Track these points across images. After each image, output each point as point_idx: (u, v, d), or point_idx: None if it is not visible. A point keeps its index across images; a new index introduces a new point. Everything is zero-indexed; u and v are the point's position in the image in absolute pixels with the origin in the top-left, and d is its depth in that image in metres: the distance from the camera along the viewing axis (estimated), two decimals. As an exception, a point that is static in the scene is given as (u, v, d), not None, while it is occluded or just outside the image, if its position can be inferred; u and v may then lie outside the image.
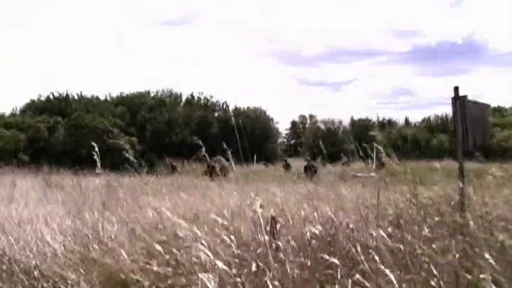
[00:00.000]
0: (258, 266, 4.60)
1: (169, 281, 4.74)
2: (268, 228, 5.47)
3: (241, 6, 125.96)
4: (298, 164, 50.08)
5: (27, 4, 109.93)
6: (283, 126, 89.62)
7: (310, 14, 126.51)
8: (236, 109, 65.23)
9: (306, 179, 29.01)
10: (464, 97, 6.78)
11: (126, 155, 8.24)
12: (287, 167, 39.15)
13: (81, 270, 5.17)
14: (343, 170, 32.16)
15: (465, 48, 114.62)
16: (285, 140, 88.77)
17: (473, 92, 6.58)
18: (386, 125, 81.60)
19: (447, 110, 73.59)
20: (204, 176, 30.48)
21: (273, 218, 5.66)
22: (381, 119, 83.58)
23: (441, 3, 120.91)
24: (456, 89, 6.80)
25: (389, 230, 5.83)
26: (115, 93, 66.25)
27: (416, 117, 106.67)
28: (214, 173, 31.01)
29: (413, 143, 62.31)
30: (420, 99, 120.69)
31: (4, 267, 5.40)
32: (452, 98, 6.85)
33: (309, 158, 37.54)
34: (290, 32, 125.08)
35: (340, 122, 78.25)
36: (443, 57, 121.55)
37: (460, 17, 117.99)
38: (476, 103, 7.18)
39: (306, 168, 34.92)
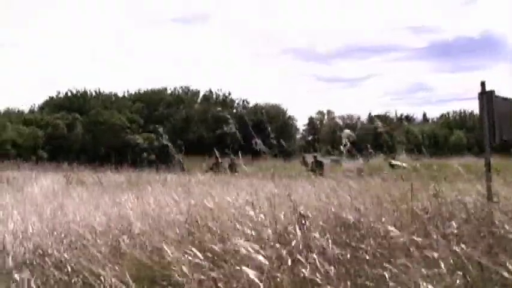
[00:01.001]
0: (293, 261, 4.62)
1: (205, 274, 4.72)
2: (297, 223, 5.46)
3: (254, 4, 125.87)
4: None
5: (27, 4, 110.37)
6: (300, 123, 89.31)
7: (324, 11, 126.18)
8: (254, 106, 65.34)
9: (314, 175, 28.77)
10: (492, 92, 6.75)
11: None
12: (305, 163, 38.42)
13: (113, 265, 5.19)
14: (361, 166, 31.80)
15: (482, 44, 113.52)
16: (302, 136, 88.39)
17: (491, 87, 6.41)
18: (404, 120, 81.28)
19: (465, 105, 73.38)
20: (209, 171, 29.66)
21: (301, 215, 5.64)
22: (398, 115, 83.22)
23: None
24: (483, 84, 6.78)
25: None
26: (132, 90, 66.61)
27: (433, 113, 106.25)
28: (219, 169, 30.52)
29: (431, 140, 61.94)
30: (437, 95, 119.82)
31: (38, 260, 5.44)
32: (479, 93, 6.82)
33: (315, 154, 36.94)
34: (305, 28, 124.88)
35: (359, 118, 78.11)
36: (460, 53, 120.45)
37: (477, 12, 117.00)
38: (504, 99, 7.15)
39: (313, 164, 34.49)
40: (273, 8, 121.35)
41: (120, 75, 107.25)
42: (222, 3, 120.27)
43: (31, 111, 64.34)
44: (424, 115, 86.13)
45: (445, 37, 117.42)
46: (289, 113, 70.76)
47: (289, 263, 4.66)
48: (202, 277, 4.73)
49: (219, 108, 59.58)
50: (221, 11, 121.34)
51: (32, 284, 5.30)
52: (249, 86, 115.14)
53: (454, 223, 5.59)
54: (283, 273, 4.57)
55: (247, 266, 4.39)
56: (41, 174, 25.37)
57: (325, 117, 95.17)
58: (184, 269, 4.63)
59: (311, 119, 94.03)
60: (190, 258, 4.78)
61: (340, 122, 78.32)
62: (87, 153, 50.22)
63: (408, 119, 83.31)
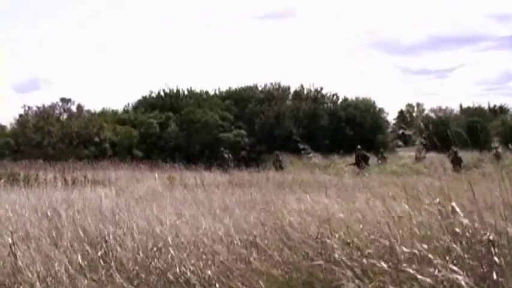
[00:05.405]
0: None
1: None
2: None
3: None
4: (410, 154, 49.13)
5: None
6: (390, 116, 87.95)
7: (409, 3, 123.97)
8: (345, 100, 64.41)
9: (354, 171, 28.00)
10: None
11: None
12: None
13: (251, 282, 5.06)
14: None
15: None
16: (393, 129, 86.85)
17: None
18: (498, 112, 78.70)
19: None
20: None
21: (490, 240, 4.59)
22: (491, 106, 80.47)
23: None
24: None
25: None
26: (223, 88, 67.08)
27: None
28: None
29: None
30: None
31: (182, 278, 5.34)
32: None
33: (359, 147, 34.92)
34: (390, 21, 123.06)
35: (451, 111, 76.10)
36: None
37: None
38: None
39: (356, 158, 32.49)
40: (358, 2, 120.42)
41: (210, 73, 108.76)
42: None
43: (125, 111, 65.63)
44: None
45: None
46: (381, 106, 69.38)
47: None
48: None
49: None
50: (308, 6, 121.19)
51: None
52: (337, 80, 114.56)
53: None
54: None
55: None
56: (141, 174, 25.73)
57: (415, 109, 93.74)
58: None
59: (401, 112, 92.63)
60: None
61: (432, 115, 76.70)
62: (181, 152, 51.01)
63: (502, 110, 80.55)
